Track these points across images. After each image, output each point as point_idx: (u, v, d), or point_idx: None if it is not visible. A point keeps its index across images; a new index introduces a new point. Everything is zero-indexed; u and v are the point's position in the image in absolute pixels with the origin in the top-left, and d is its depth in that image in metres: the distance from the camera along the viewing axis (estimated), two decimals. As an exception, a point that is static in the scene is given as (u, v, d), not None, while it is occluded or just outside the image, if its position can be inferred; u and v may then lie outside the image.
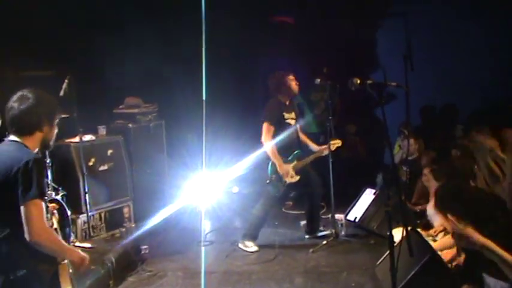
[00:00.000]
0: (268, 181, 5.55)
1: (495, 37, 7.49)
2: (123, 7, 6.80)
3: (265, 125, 5.48)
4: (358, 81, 3.08)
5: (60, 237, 2.92)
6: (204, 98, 6.00)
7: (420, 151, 6.67)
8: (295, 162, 5.65)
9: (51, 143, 2.94)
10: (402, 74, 6.84)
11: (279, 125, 5.54)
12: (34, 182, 2.62)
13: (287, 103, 5.69)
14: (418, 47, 7.67)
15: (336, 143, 5.75)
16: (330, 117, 5.67)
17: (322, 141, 6.27)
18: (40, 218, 2.64)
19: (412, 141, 6.74)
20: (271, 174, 5.54)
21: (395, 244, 3.04)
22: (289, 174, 5.56)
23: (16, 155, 2.68)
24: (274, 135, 5.49)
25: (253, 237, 5.70)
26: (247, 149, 6.22)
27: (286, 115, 5.63)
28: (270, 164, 5.53)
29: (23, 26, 6.05)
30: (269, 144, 5.45)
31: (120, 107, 6.64)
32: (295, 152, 5.68)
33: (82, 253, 2.89)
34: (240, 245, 5.69)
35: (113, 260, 4.81)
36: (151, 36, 6.87)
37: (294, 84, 5.62)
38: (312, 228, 5.95)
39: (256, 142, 5.62)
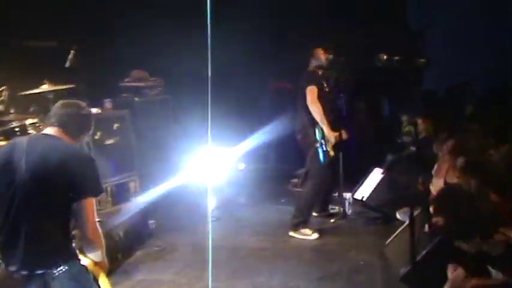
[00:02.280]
0: (318, 145, 5.36)
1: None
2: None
3: (309, 88, 5.33)
4: (385, 57, 2.97)
5: None
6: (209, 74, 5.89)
7: (428, 131, 6.59)
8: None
9: None
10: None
11: (320, 89, 5.42)
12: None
13: (319, 73, 5.56)
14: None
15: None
16: (341, 95, 5.58)
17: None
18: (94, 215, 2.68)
19: (419, 121, 6.66)
20: (320, 138, 5.36)
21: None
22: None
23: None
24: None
25: (307, 223, 5.47)
26: (255, 126, 6.17)
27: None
28: (317, 128, 5.37)
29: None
30: (317, 106, 5.31)
31: (126, 80, 6.54)
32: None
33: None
34: (296, 235, 5.38)
35: (121, 233, 4.78)
36: (158, 9, 6.71)
37: (322, 55, 5.54)
38: (321, 207, 5.91)
39: (264, 119, 5.52)
